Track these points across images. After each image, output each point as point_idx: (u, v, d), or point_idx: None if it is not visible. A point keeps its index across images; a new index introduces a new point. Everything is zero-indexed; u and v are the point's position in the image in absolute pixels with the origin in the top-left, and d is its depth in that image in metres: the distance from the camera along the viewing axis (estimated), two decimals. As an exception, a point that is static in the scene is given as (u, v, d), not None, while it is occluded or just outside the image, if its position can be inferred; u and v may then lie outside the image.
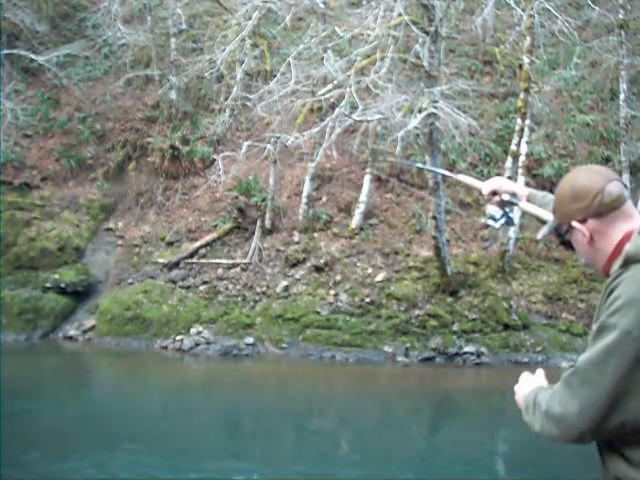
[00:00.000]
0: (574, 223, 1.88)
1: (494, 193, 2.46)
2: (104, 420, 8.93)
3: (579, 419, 1.69)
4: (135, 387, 11.17)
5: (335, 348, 12.86)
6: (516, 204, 2.39)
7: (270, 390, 11.63)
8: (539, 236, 2.13)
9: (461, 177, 2.76)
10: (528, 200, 2.39)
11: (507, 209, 2.44)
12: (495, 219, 2.45)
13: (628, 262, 1.74)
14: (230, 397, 10.67)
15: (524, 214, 2.45)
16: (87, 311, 14.15)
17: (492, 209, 2.47)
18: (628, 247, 1.76)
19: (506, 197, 2.42)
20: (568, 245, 1.98)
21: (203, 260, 14.54)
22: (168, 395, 10.78)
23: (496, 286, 13.63)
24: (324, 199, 15.30)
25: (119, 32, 16.28)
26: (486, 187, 2.49)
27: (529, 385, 1.97)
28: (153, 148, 16.10)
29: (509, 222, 2.44)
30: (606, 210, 1.83)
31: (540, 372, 2.03)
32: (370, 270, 13.91)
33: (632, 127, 14.68)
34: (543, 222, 2.24)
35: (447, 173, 3.05)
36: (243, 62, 15.12)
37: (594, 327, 1.74)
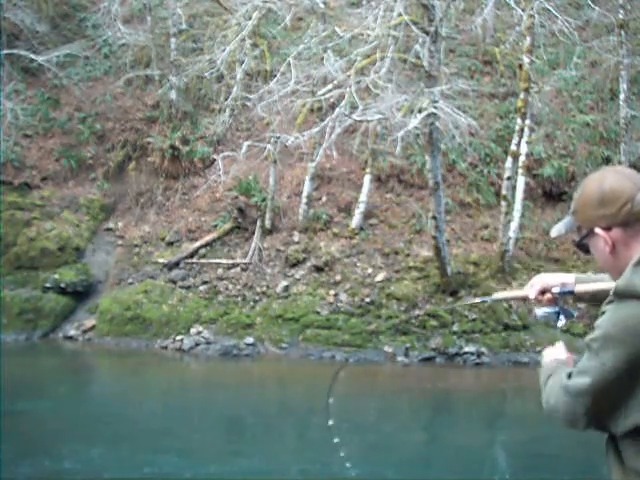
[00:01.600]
0: (597, 230, 1.78)
1: (542, 292, 2.23)
2: (103, 420, 8.92)
3: (564, 421, 1.78)
4: (135, 387, 11.17)
5: (335, 348, 12.86)
6: (572, 292, 2.18)
7: (270, 390, 11.63)
8: (553, 234, 2.05)
9: (497, 295, 2.49)
10: (577, 283, 2.18)
11: (561, 303, 2.22)
12: (554, 319, 2.23)
13: (616, 294, 1.68)
14: (230, 397, 10.66)
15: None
16: (87, 311, 14.16)
17: (543, 311, 2.25)
18: (619, 281, 1.69)
19: (557, 290, 2.21)
20: (583, 248, 1.89)
21: (203, 260, 14.54)
22: (168, 395, 10.79)
23: (496, 286, 13.61)
24: (324, 199, 15.30)
25: (119, 32, 16.27)
26: (532, 291, 2.24)
27: (552, 356, 2.00)
28: (153, 148, 16.10)
29: (569, 315, 2.23)
30: (634, 220, 1.73)
31: (560, 345, 2.03)
32: (370, 270, 13.91)
33: (632, 127, 14.67)
34: (598, 301, 2.05)
35: (477, 300, 2.85)
36: (243, 62, 15.12)
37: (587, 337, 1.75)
